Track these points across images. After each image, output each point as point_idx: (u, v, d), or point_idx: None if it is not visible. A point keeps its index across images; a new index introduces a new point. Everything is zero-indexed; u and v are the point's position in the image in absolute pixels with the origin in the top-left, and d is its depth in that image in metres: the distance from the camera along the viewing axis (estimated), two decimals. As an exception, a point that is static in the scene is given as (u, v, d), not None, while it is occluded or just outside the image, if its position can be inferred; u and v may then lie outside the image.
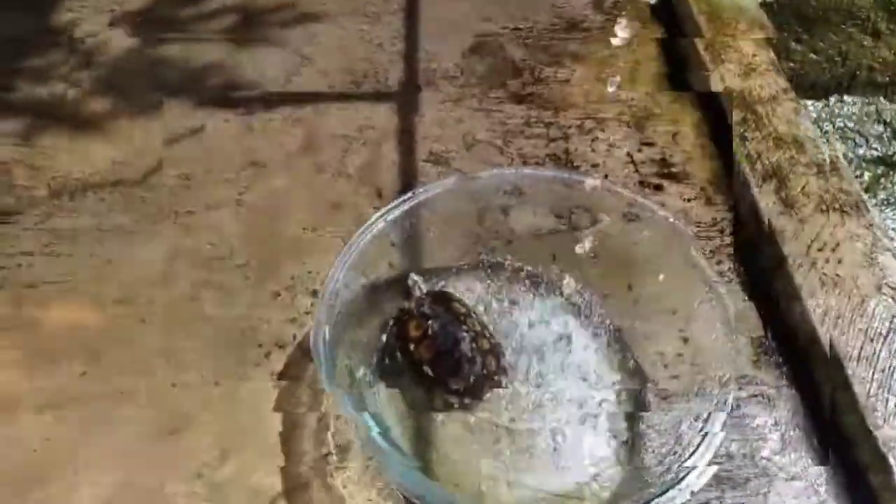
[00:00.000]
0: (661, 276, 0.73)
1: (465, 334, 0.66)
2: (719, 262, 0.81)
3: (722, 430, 0.58)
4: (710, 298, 0.67)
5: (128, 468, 0.64)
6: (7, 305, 0.75)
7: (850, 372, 0.67)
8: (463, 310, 0.69)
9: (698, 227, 0.84)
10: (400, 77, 1.03)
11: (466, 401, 0.66)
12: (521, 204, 0.77)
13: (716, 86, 0.96)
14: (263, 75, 1.01)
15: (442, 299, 0.69)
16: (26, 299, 0.76)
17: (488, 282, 0.77)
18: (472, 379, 0.65)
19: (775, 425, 0.68)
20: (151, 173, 0.89)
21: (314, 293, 0.75)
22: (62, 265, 0.78)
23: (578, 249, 0.77)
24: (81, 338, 0.72)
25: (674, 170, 0.90)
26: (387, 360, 0.69)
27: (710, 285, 0.67)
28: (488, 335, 0.69)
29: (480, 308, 0.74)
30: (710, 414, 0.60)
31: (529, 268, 0.77)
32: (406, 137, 0.93)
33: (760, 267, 0.81)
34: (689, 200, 0.87)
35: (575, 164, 0.91)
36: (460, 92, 1.00)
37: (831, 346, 0.69)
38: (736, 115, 0.91)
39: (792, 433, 0.67)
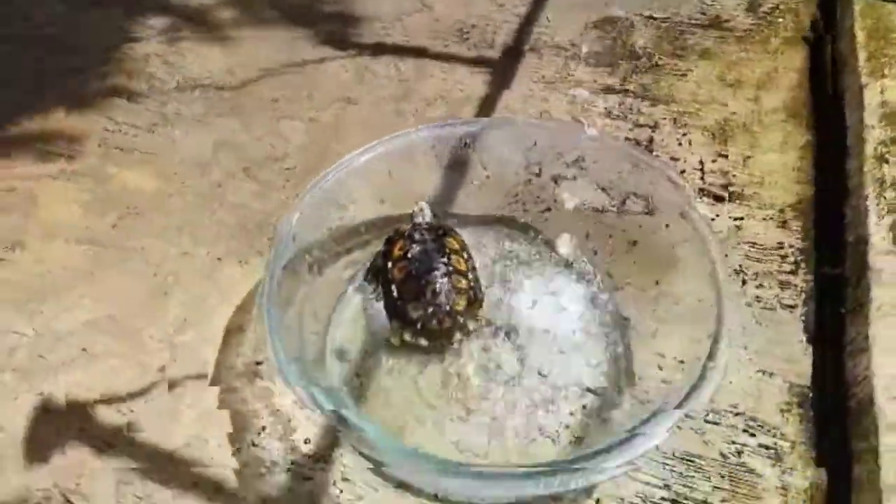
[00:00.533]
0: (691, 283, 0.63)
1: (442, 266, 0.63)
2: (761, 286, 0.68)
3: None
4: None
5: (118, 307, 0.69)
6: (96, 157, 0.85)
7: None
8: (456, 246, 0.65)
9: (755, 247, 0.72)
10: (507, 40, 1.01)
11: (422, 339, 0.62)
12: (578, 176, 0.71)
13: (871, 99, 0.81)
14: (378, 11, 1.05)
15: (438, 230, 0.66)
16: (112, 158, 0.86)
17: (506, 242, 0.72)
18: (431, 312, 0.61)
19: (780, 489, 0.55)
20: (251, 83, 0.96)
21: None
22: (151, 141, 0.88)
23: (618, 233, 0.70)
24: (130, 198, 0.80)
25: (746, 189, 0.78)
26: (369, 277, 0.67)
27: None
28: (470, 278, 0.64)
29: (484, 261, 0.70)
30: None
31: (557, 240, 0.71)
32: (486, 105, 0.91)
33: (834, 307, 0.67)
34: (765, 220, 0.75)
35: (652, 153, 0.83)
36: (563, 66, 0.96)
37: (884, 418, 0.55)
38: (880, 133, 0.76)
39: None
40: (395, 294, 0.63)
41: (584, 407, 0.60)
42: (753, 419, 0.59)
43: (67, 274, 0.72)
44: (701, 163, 0.82)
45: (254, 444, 0.59)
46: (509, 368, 0.62)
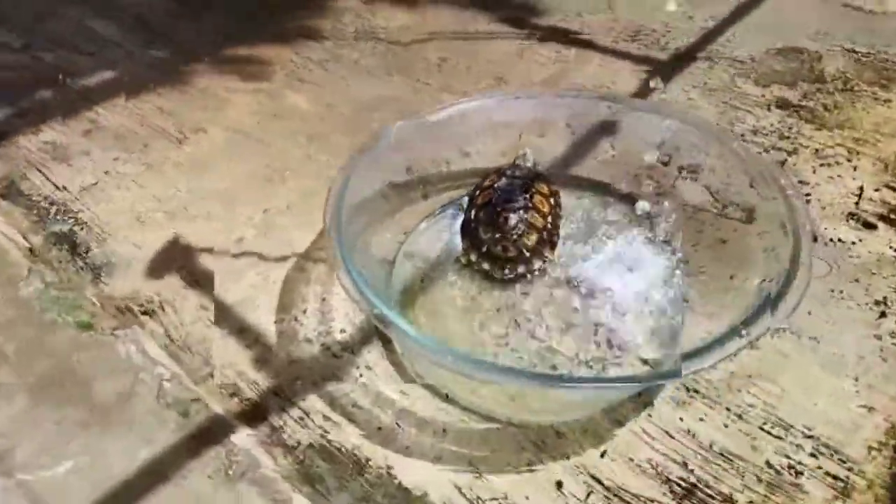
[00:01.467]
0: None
1: (522, 200, 0.62)
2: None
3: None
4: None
5: (235, 179, 0.78)
6: (278, 82, 0.97)
7: None
8: (544, 190, 0.64)
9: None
10: (681, 46, 0.98)
11: (485, 263, 0.61)
12: (698, 170, 0.67)
13: None
14: (563, 4, 1.08)
15: (534, 175, 0.66)
16: (290, 84, 0.96)
17: (604, 208, 0.69)
18: (498, 237, 0.60)
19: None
20: (419, 42, 1.03)
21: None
22: (322, 76, 0.98)
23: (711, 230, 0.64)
24: (291, 112, 0.90)
25: None
26: (462, 204, 0.68)
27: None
28: (549, 220, 0.62)
29: (576, 217, 0.67)
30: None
31: (656, 221, 0.67)
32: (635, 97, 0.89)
33: None
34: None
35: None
36: (729, 78, 0.91)
37: None
38: None
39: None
40: (472, 216, 0.63)
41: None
42: (828, 446, 0.50)
43: (222, 155, 0.83)
44: (860, 188, 0.72)
45: (295, 319, 0.62)
46: (565, 315, 0.59)
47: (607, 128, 0.72)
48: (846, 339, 0.57)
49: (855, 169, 0.75)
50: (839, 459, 0.49)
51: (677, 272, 0.62)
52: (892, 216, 0.69)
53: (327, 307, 0.63)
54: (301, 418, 0.54)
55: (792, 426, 0.51)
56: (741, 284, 0.57)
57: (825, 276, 0.63)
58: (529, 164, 0.68)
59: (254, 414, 0.54)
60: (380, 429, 0.53)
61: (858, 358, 0.56)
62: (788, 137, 0.80)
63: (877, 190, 0.72)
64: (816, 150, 0.78)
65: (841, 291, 0.61)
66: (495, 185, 0.64)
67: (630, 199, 0.69)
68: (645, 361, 0.55)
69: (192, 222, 0.73)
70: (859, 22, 1.02)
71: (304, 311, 0.63)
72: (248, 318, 0.62)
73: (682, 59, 0.95)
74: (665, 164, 0.70)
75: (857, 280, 0.62)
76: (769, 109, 0.85)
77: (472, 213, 0.63)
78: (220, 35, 1.08)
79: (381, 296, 0.50)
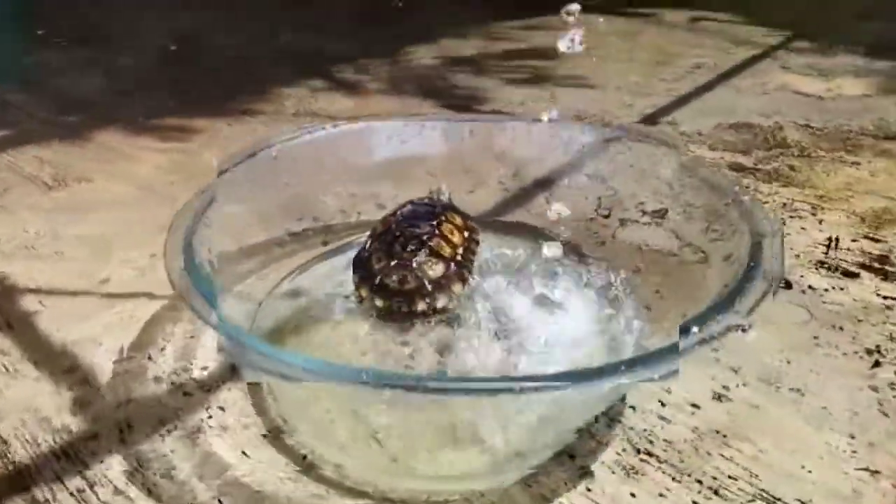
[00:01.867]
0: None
1: (428, 227, 0.51)
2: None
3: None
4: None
5: (121, 226, 0.66)
6: (199, 145, 0.89)
7: None
8: (457, 221, 0.53)
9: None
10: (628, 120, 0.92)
11: (378, 299, 0.48)
12: (655, 223, 0.58)
13: None
14: (506, 97, 1.05)
15: (447, 206, 0.55)
16: (210, 149, 0.88)
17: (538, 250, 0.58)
18: (394, 265, 0.48)
19: None
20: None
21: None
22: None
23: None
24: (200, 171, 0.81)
25: (892, 268, 0.57)
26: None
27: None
28: (460, 253, 0.51)
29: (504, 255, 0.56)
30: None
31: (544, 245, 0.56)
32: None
33: None
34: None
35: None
36: (683, 145, 0.84)
37: None
38: None
39: None
40: (366, 247, 0.52)
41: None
42: (829, 524, 0.35)
43: (106, 204, 0.72)
44: (829, 239, 0.63)
45: (148, 358, 0.48)
46: (474, 362, 0.45)
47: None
48: (834, 392, 0.44)
49: (821, 222, 0.66)
50: (846, 540, 0.35)
51: (634, 324, 0.49)
52: (876, 265, 0.59)
53: (193, 345, 0.49)
54: (80, 491, 0.38)
55: (779, 499, 0.37)
56: None
57: (806, 323, 0.51)
58: (445, 198, 0.58)
59: (12, 482, 0.39)
60: (190, 508, 0.37)
61: (851, 413, 0.43)
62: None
63: (854, 241, 0.62)
64: (776, 208, 0.69)
65: (822, 339, 0.49)
66: (398, 212, 0.53)
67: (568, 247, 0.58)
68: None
69: (32, 262, 0.61)
70: (812, 104, 0.98)
71: (163, 350, 0.49)
72: (83, 359, 0.48)
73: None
74: (605, 216, 0.61)
75: (840, 328, 0.51)
76: (733, 169, 0.77)
77: (368, 243, 0.52)
78: (152, 108, 1.01)
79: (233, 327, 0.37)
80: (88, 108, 1.02)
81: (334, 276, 0.54)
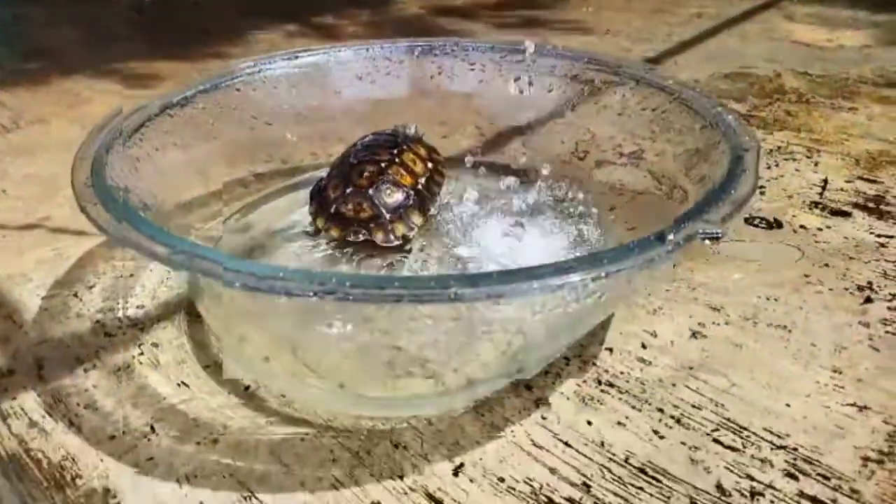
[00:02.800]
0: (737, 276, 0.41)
1: (388, 155, 0.47)
2: (893, 309, 0.42)
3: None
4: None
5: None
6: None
7: None
8: (421, 151, 0.49)
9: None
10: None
11: (333, 228, 0.45)
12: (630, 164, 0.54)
13: None
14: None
15: (413, 138, 0.51)
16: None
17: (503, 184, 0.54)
18: (349, 192, 0.45)
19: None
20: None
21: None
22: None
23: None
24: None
25: (886, 207, 0.54)
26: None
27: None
28: (422, 183, 0.47)
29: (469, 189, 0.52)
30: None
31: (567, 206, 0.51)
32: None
33: None
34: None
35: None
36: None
37: None
38: None
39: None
40: (324, 176, 0.48)
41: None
42: (809, 460, 0.32)
43: (62, 146, 0.68)
44: (824, 181, 0.59)
45: (75, 295, 0.45)
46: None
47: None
48: (822, 328, 0.41)
49: (816, 164, 0.62)
50: (821, 475, 0.31)
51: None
52: (870, 205, 0.55)
53: (129, 284, 0.46)
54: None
55: (752, 433, 0.33)
56: (691, 276, 0.43)
57: (797, 262, 0.47)
58: (410, 132, 0.54)
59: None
60: (113, 437, 0.34)
61: (839, 348, 0.39)
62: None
63: (848, 182, 0.59)
64: (770, 151, 0.65)
65: (812, 277, 0.46)
66: (358, 143, 0.49)
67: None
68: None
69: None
70: (811, 53, 0.94)
71: (91, 287, 0.45)
72: (9, 294, 0.45)
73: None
74: (581, 158, 0.56)
75: (827, 265, 0.47)
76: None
77: (325, 173, 0.48)
78: (119, 55, 0.97)
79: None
80: (56, 57, 0.97)
81: (294, 209, 0.51)
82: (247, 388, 0.37)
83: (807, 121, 0.71)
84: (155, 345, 0.40)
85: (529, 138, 0.60)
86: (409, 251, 0.45)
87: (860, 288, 0.44)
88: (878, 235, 0.51)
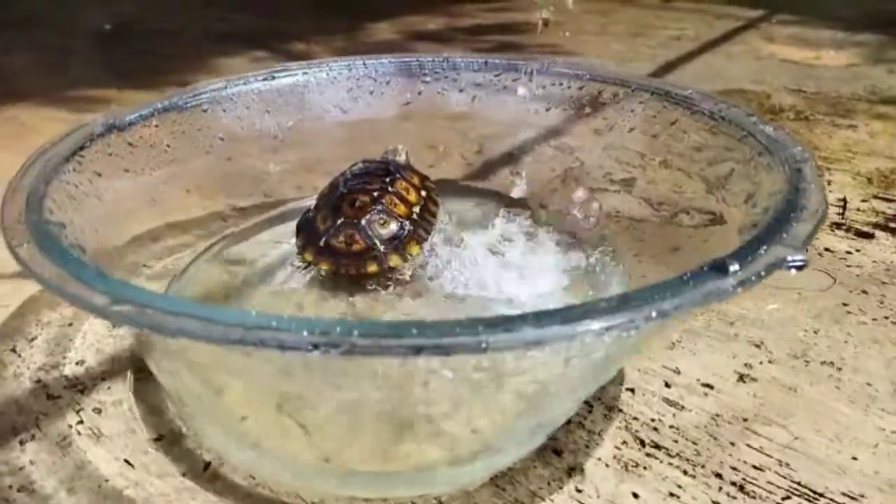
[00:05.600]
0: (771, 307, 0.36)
1: (379, 183, 0.42)
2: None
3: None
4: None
5: None
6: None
7: None
8: (414, 180, 0.44)
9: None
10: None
11: (323, 262, 0.40)
12: (623, 191, 0.50)
13: None
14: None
15: (403, 165, 0.46)
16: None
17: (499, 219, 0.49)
18: (340, 224, 0.40)
19: None
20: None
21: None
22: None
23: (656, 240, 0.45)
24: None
25: None
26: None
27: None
28: (416, 212, 0.42)
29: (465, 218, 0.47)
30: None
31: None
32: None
33: None
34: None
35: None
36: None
37: None
38: None
39: None
40: (312, 207, 0.43)
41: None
42: (890, 529, 0.27)
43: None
44: (843, 200, 0.55)
45: (13, 350, 0.38)
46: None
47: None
48: (874, 364, 0.36)
49: (829, 183, 0.58)
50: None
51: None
52: (891, 225, 0.51)
53: (69, 334, 0.39)
54: None
55: (825, 496, 0.28)
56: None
57: (828, 289, 0.43)
58: (401, 159, 0.49)
59: None
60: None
61: (893, 386, 0.34)
62: (742, 158, 0.64)
63: (864, 201, 0.55)
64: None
65: (850, 305, 0.41)
66: (347, 172, 0.44)
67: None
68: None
69: None
70: (800, 71, 0.92)
71: (32, 340, 0.39)
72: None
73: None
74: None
75: (864, 292, 0.43)
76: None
77: (314, 203, 0.43)
78: (72, 82, 0.90)
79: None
80: (5, 84, 0.90)
81: (276, 240, 0.45)
82: (207, 465, 0.30)
83: (811, 139, 0.68)
84: (97, 410, 0.34)
85: (521, 159, 0.56)
86: (405, 283, 0.40)
87: (900, 318, 0.40)
88: (906, 258, 0.47)
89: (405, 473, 0.29)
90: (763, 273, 0.22)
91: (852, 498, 0.28)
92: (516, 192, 0.50)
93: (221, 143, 0.46)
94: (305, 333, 0.20)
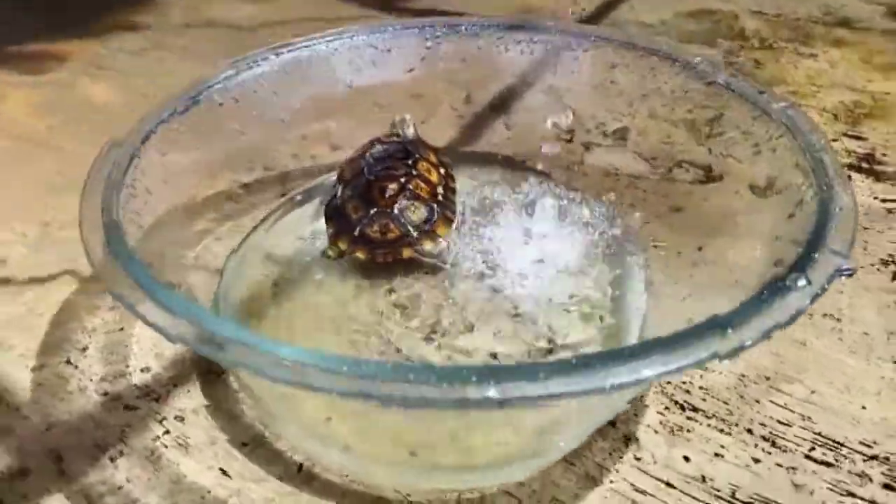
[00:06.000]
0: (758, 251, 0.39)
1: (403, 168, 0.43)
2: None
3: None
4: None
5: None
6: (69, 73, 0.73)
7: None
8: (431, 158, 0.45)
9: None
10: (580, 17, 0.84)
11: (359, 250, 0.41)
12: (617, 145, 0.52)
13: None
14: None
15: (418, 141, 0.47)
16: (90, 74, 0.73)
17: (506, 184, 0.51)
18: (374, 213, 0.41)
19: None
20: (267, 27, 0.83)
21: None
22: (136, 62, 0.75)
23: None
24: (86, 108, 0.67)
25: (880, 167, 0.55)
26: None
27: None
28: (440, 192, 0.44)
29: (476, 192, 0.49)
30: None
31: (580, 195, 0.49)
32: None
33: None
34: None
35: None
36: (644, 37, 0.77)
37: None
38: None
39: None
40: (338, 194, 0.43)
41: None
42: (900, 466, 0.32)
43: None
44: (818, 139, 0.59)
45: (68, 362, 0.38)
46: (474, 313, 0.39)
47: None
48: (867, 314, 0.41)
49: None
50: (925, 485, 0.32)
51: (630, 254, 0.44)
52: (864, 165, 0.56)
53: (122, 339, 0.40)
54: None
55: (843, 445, 0.33)
56: (715, 256, 0.40)
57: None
58: (410, 132, 0.49)
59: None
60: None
61: (889, 335, 0.40)
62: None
63: (835, 140, 0.59)
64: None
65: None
66: (366, 155, 0.44)
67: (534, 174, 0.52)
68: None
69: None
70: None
71: (84, 350, 0.39)
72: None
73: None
74: (568, 141, 0.54)
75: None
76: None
77: (339, 189, 0.44)
78: (12, 39, 0.83)
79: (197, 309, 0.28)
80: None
81: (300, 228, 0.46)
82: (300, 467, 0.33)
83: (778, 70, 0.71)
84: (179, 419, 0.35)
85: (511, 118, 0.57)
86: (439, 264, 0.42)
87: (884, 262, 0.45)
88: (883, 200, 0.51)
89: (486, 464, 0.32)
90: (827, 286, 0.25)
91: (868, 445, 0.33)
92: (547, 148, 0.51)
93: (231, 125, 0.46)
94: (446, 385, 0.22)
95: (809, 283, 0.26)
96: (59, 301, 0.42)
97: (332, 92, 0.49)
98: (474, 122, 0.58)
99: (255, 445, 0.34)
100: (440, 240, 0.42)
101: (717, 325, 0.24)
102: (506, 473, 0.32)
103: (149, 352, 0.39)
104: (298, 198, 0.49)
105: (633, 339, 0.37)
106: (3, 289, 0.44)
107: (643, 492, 0.31)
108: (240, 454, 0.33)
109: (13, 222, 0.50)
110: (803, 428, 0.34)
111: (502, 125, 0.57)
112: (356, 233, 0.41)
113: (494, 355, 0.37)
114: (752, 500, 0.31)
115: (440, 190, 0.44)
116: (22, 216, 0.50)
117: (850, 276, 0.26)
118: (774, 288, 0.26)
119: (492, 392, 0.22)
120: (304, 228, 0.46)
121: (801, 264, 0.26)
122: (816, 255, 0.27)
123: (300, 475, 0.32)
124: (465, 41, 0.52)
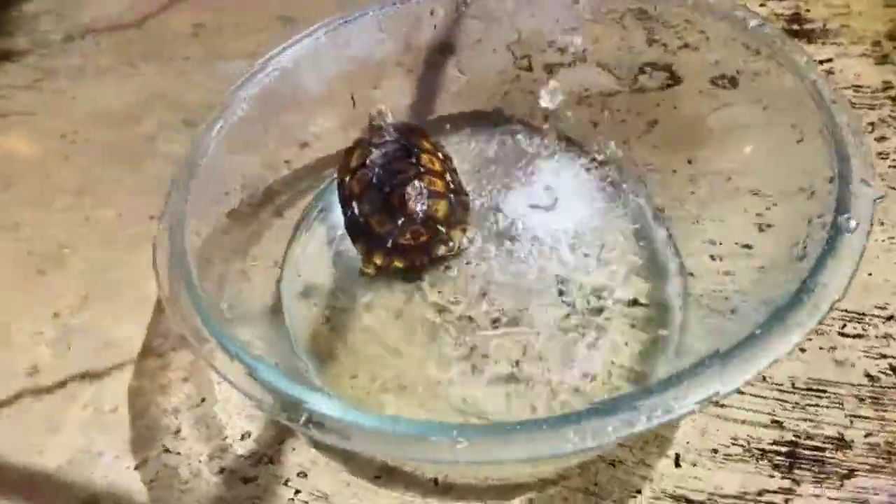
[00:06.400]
0: (748, 149, 0.43)
1: (411, 167, 0.44)
2: (883, 138, 0.48)
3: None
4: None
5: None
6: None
7: None
8: (426, 145, 0.46)
9: (861, 92, 0.52)
10: None
11: (396, 260, 0.43)
12: (576, 60, 0.52)
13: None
14: None
15: (403, 129, 0.47)
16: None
17: (495, 142, 0.53)
18: (402, 223, 0.42)
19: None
20: (154, 17, 0.77)
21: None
22: (32, 99, 0.69)
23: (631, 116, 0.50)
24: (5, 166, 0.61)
25: (830, 24, 0.58)
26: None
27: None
28: (449, 179, 0.45)
29: (465, 167, 0.50)
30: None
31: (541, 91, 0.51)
32: None
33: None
34: (863, 56, 0.55)
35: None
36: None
37: None
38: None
39: None
40: (356, 211, 0.44)
41: (632, 325, 0.40)
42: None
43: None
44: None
45: (166, 451, 0.39)
46: (519, 280, 0.42)
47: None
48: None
49: None
50: (939, 332, 0.38)
51: (623, 186, 0.47)
52: (794, 27, 0.59)
53: (209, 412, 0.41)
54: None
55: (865, 314, 0.39)
56: (707, 167, 0.44)
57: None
58: (391, 121, 0.49)
59: None
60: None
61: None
62: None
63: (762, 5, 0.62)
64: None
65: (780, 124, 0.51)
66: (368, 162, 0.45)
67: (516, 125, 0.53)
68: (635, 302, 0.40)
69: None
70: None
71: (178, 433, 0.40)
72: (89, 481, 0.39)
73: None
74: (528, 69, 0.55)
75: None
76: None
77: (355, 206, 0.44)
78: None
79: (290, 374, 0.30)
80: None
81: (323, 252, 0.47)
82: (436, 482, 0.36)
83: None
84: (302, 474, 0.37)
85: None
86: (470, 253, 0.44)
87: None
88: (820, 62, 0.56)
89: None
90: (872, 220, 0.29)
91: (882, 308, 0.39)
92: (546, 101, 0.52)
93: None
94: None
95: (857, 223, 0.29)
96: (121, 392, 0.42)
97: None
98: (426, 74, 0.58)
99: (386, 475, 0.37)
100: (467, 227, 0.44)
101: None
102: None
103: (239, 416, 0.40)
104: (305, 224, 0.49)
105: (675, 280, 0.41)
106: (49, 396, 0.43)
107: (725, 405, 0.37)
108: (379, 488, 0.36)
109: (13, 325, 0.48)
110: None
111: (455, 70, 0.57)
112: (389, 244, 0.42)
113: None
114: (808, 385, 0.37)
115: (448, 177, 0.45)
116: (17, 314, 0.48)
117: (882, 198, 0.30)
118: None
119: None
120: (326, 252, 0.46)
121: (842, 205, 0.30)
122: (852, 190, 0.30)
123: (438, 487, 0.36)
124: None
